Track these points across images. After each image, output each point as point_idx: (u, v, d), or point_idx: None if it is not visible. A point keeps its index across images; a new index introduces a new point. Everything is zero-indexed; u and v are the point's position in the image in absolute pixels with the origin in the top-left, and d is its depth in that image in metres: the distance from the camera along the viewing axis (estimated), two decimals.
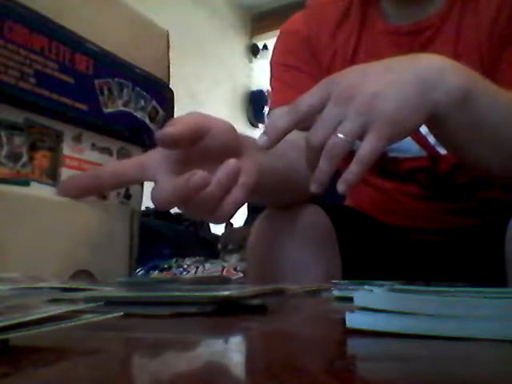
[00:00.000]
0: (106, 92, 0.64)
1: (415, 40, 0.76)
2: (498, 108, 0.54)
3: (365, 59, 0.77)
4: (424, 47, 0.75)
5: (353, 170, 0.48)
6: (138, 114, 0.77)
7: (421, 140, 0.76)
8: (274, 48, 0.89)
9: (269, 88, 0.89)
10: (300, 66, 0.82)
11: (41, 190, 0.54)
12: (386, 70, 0.51)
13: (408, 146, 0.77)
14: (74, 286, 0.42)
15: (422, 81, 0.50)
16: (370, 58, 0.76)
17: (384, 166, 0.81)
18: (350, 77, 0.51)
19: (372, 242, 0.83)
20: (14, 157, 0.51)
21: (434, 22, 0.75)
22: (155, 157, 0.51)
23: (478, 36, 0.72)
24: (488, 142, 0.55)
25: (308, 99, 0.51)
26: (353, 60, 0.79)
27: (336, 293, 0.46)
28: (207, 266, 1.65)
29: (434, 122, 0.53)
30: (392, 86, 0.49)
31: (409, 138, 0.75)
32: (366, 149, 0.48)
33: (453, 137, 0.56)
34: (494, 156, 0.57)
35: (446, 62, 0.53)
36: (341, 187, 0.48)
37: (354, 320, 0.26)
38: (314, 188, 0.49)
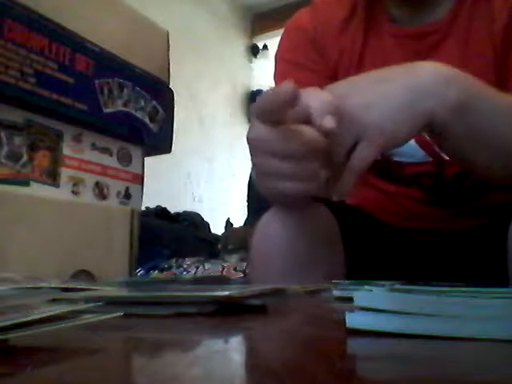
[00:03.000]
0: (106, 92, 0.64)
1: (422, 43, 0.75)
2: (498, 114, 0.54)
3: (371, 61, 0.77)
4: (431, 51, 0.74)
5: (346, 178, 0.49)
6: (138, 114, 0.77)
7: (426, 146, 0.76)
8: (280, 44, 0.88)
9: (269, 88, 0.89)
10: (305, 63, 0.82)
11: (41, 190, 0.54)
12: (377, 82, 0.52)
13: (413, 151, 0.76)
14: (74, 286, 0.42)
15: (413, 91, 0.50)
16: (377, 60, 0.76)
17: (388, 169, 0.81)
18: (340, 89, 0.52)
19: (376, 242, 0.83)
20: (14, 157, 0.52)
21: (441, 26, 0.75)
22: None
23: (491, 39, 0.71)
24: (490, 149, 0.55)
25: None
26: (359, 62, 0.79)
27: (336, 293, 0.46)
28: (207, 266, 1.65)
29: (433, 132, 0.53)
30: (382, 96, 0.50)
31: (414, 144, 0.74)
32: (358, 157, 0.49)
33: (453, 145, 0.55)
34: (497, 162, 0.56)
35: (443, 71, 0.52)
36: (335, 196, 0.49)
37: (353, 320, 0.26)
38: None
